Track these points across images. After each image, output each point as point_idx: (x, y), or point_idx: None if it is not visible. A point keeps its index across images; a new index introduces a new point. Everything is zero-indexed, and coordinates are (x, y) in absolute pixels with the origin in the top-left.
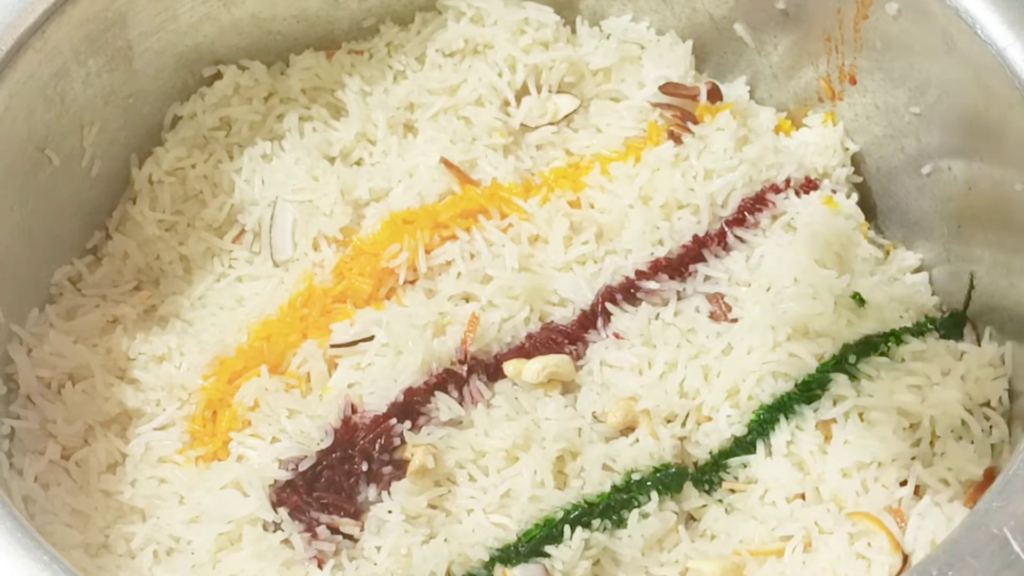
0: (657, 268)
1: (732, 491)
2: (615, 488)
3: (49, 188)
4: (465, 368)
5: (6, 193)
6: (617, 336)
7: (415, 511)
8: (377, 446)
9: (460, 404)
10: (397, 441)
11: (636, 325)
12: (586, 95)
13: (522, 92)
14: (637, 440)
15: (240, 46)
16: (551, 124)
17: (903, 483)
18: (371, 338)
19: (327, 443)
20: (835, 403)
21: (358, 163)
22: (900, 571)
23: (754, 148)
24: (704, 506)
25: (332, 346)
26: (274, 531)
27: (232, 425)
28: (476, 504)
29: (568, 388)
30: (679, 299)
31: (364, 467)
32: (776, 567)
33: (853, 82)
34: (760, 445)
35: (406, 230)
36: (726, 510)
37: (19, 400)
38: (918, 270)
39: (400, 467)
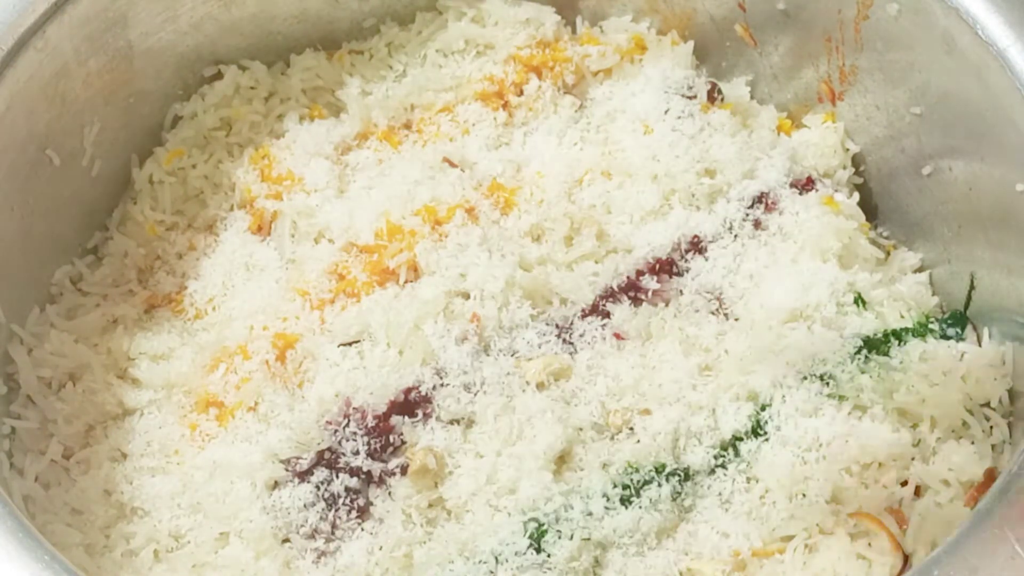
0: (657, 268)
1: (732, 491)
2: (615, 488)
3: (50, 188)
4: (465, 368)
5: (6, 193)
6: (617, 336)
7: (415, 511)
8: (377, 446)
9: (461, 404)
10: (397, 441)
11: (636, 325)
12: (586, 95)
13: (522, 92)
14: (637, 440)
15: (241, 46)
16: (551, 124)
17: (903, 483)
18: (371, 338)
19: (327, 443)
20: (836, 403)
21: (358, 163)
22: (900, 571)
23: (754, 148)
24: (704, 506)
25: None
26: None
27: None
28: (476, 504)
29: (568, 388)
30: (679, 298)
31: (364, 467)
32: (776, 567)
33: (841, 98)
34: (761, 444)
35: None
36: (726, 510)
37: (20, 400)
38: (919, 270)
39: (400, 467)
